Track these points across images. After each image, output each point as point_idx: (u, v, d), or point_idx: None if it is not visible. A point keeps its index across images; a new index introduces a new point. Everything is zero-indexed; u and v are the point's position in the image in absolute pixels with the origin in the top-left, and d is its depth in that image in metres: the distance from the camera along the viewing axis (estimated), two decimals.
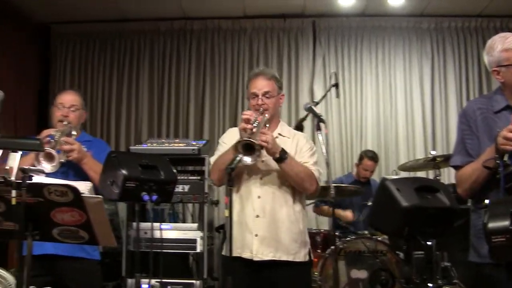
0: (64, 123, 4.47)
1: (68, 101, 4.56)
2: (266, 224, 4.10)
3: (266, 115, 4.15)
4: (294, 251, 4.14)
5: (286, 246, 4.10)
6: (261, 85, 4.24)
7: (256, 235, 4.08)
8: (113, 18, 9.47)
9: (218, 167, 4.13)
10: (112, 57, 9.69)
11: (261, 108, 4.17)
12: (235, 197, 4.14)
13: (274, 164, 4.09)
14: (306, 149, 4.28)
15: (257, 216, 4.11)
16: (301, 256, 4.17)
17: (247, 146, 3.84)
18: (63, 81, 9.62)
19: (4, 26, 8.59)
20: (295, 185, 4.14)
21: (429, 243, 5.05)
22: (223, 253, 4.29)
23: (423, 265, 5.67)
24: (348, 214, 7.35)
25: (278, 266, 4.08)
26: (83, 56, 9.74)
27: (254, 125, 3.99)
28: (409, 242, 5.07)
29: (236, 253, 3.99)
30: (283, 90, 4.47)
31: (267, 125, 4.14)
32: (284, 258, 4.09)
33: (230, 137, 4.26)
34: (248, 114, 4.07)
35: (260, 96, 4.21)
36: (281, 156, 4.00)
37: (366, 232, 6.75)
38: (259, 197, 4.13)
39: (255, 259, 4.06)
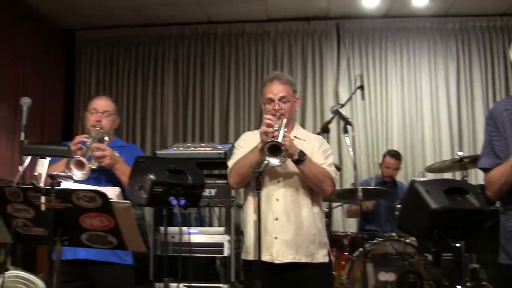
0: (96, 128, 4.47)
1: (101, 107, 4.55)
2: (285, 226, 4.10)
3: (285, 119, 4.15)
4: (312, 253, 4.13)
5: (305, 248, 4.10)
6: (276, 90, 4.24)
7: (276, 238, 4.08)
8: (138, 23, 9.51)
9: (237, 171, 4.15)
10: (136, 62, 9.73)
11: (278, 113, 4.17)
12: (254, 200, 4.13)
13: (292, 167, 4.09)
14: (322, 150, 4.26)
15: (276, 219, 4.11)
16: (320, 257, 4.16)
17: (273, 148, 3.84)
18: (88, 87, 9.70)
19: (29, 33, 8.67)
20: (313, 186, 4.14)
21: (458, 245, 5.02)
22: (242, 257, 4.29)
23: (452, 267, 5.62)
24: (368, 204, 7.29)
25: (298, 268, 4.08)
26: (107, 62, 9.80)
27: (275, 128, 4.00)
28: (438, 244, 5.01)
29: (256, 256, 3.98)
30: (303, 93, 4.46)
31: (285, 129, 4.13)
32: (303, 260, 4.09)
33: (246, 141, 4.29)
34: (271, 118, 4.07)
35: (276, 101, 4.21)
36: (300, 158, 4.00)
37: (393, 234, 6.69)
38: (277, 199, 4.13)
39: (276, 261, 4.06)
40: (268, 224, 4.11)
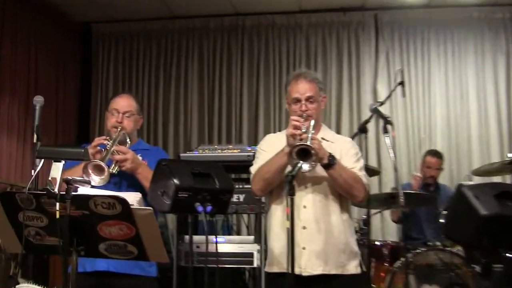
0: (117, 129, 4.44)
1: (122, 107, 4.52)
2: (314, 235, 4.06)
3: (312, 121, 4.11)
4: (343, 263, 4.09)
5: (335, 258, 4.07)
6: (303, 89, 4.21)
7: (304, 248, 4.04)
8: (159, 15, 9.53)
9: (262, 177, 4.13)
10: (158, 57, 9.75)
11: (305, 114, 4.14)
12: (279, 207, 4.14)
13: (320, 171, 4.04)
14: (351, 154, 4.23)
15: (304, 228, 4.06)
16: (351, 268, 4.12)
17: (302, 152, 3.80)
18: (106, 84, 9.76)
19: (41, 26, 8.73)
20: (343, 192, 4.10)
21: (510, 255, 4.92)
22: (266, 269, 4.25)
23: (503, 280, 5.53)
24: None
25: (329, 280, 4.04)
26: (127, 57, 9.85)
27: (303, 130, 3.96)
28: (487, 254, 4.93)
29: (283, 269, 3.92)
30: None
31: (313, 130, 4.09)
32: (334, 271, 4.05)
33: (270, 144, 4.27)
34: (298, 119, 4.03)
35: (303, 101, 4.18)
36: (330, 162, 3.96)
37: (438, 243, 6.60)
38: (305, 207, 4.10)
39: (304, 274, 4.01)
40: (296, 233, 4.05)
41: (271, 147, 4.17)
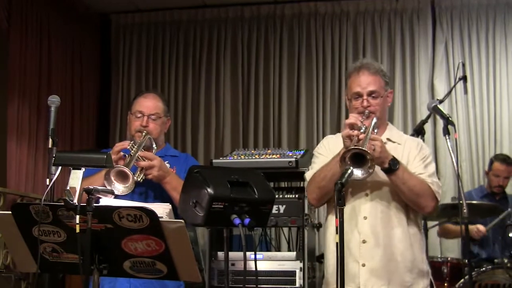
0: (142, 134, 4.44)
1: (147, 108, 4.54)
2: (375, 250, 4.04)
3: (374, 118, 4.08)
4: (410, 283, 4.06)
5: (400, 278, 4.04)
6: (365, 82, 4.18)
7: (364, 265, 4.04)
8: (187, 4, 9.59)
9: (317, 185, 4.12)
10: (186, 52, 9.78)
11: (367, 111, 4.11)
12: (337, 219, 4.06)
13: (383, 176, 4.02)
14: (420, 157, 4.19)
15: (364, 242, 4.06)
16: None
17: (356, 157, 3.76)
18: (127, 82, 9.80)
19: (56, 18, 8.77)
20: (409, 202, 4.07)
21: None
22: None
23: None
24: (479, 227, 7.12)
25: None
26: (150, 52, 9.88)
27: (361, 130, 3.93)
28: None
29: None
30: (390, 85, 4.36)
31: (376, 130, 4.07)
32: None
33: (328, 147, 4.27)
34: (353, 118, 4.01)
35: (365, 97, 4.15)
36: (391, 166, 3.92)
37: (506, 260, 6.55)
38: (365, 217, 4.08)
39: None
40: (353, 247, 4.06)
41: (329, 150, 4.17)
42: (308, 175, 4.26)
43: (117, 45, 9.96)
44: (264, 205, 3.78)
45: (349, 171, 3.65)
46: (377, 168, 3.95)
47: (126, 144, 4.36)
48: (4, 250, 6.48)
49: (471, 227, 7.16)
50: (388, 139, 4.20)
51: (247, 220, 3.58)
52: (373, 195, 4.09)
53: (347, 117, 7.62)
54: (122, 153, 4.29)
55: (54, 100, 4.21)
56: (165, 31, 9.86)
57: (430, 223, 7.37)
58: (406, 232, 4.08)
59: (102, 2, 9.46)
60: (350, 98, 4.22)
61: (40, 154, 8.11)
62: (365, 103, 4.12)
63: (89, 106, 9.55)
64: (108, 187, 3.87)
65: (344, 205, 3.61)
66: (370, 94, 4.13)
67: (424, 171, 4.11)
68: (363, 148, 3.75)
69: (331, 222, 4.15)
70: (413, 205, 4.06)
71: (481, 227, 7.13)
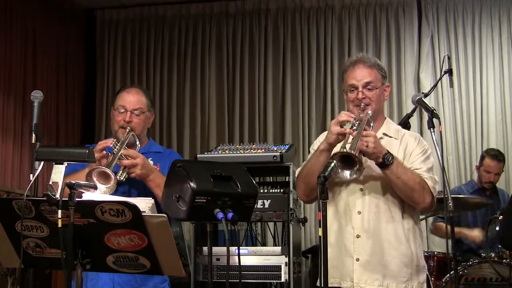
0: (126, 130, 4.43)
1: (130, 103, 4.50)
2: (369, 245, 4.03)
3: (369, 111, 4.06)
4: (405, 278, 4.04)
5: (394, 272, 4.02)
6: (360, 75, 4.15)
7: (358, 260, 4.03)
8: (172, 0, 9.55)
9: (303, 180, 4.12)
10: (171, 47, 9.80)
11: (362, 104, 4.09)
12: (330, 212, 4.07)
13: (378, 171, 4.00)
14: (418, 152, 4.16)
15: (358, 236, 4.04)
16: (415, 284, 4.08)
17: (345, 158, 3.76)
18: (112, 78, 9.83)
19: (40, 14, 8.79)
20: (404, 197, 4.04)
21: None
22: (318, 283, 4.23)
23: None
24: (476, 234, 7.13)
25: None
26: (135, 47, 9.89)
27: (354, 128, 3.91)
28: None
29: (334, 283, 3.92)
30: (387, 79, 4.36)
31: (372, 124, 4.06)
32: (394, 286, 4.01)
33: None
34: (345, 115, 4.00)
35: (360, 89, 4.13)
36: (385, 161, 3.90)
37: (492, 254, 6.56)
38: (359, 212, 4.07)
39: None
40: (348, 242, 4.06)
41: None
42: (297, 171, 4.26)
43: (102, 41, 9.96)
44: (247, 199, 3.77)
45: (332, 164, 3.61)
46: (372, 163, 3.96)
47: (109, 142, 4.32)
48: None
49: (469, 232, 7.19)
50: (385, 134, 4.18)
51: (230, 214, 3.57)
52: (367, 190, 4.07)
53: (332, 111, 7.66)
54: (104, 152, 4.26)
55: (37, 95, 4.19)
56: (150, 26, 9.86)
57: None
58: (401, 227, 4.06)
59: None
60: (346, 91, 4.21)
61: (25, 150, 8.11)
62: (360, 95, 4.10)
63: (74, 102, 9.55)
64: (92, 183, 3.87)
65: (327, 199, 3.55)
66: (365, 86, 4.11)
67: (420, 166, 4.09)
68: (350, 152, 3.71)
69: (327, 217, 4.15)
70: (408, 200, 4.04)
71: (477, 234, 7.11)
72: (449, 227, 5.03)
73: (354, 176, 3.80)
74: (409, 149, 4.16)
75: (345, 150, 3.74)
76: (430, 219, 7.64)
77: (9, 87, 8.00)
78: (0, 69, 7.91)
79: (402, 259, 4.04)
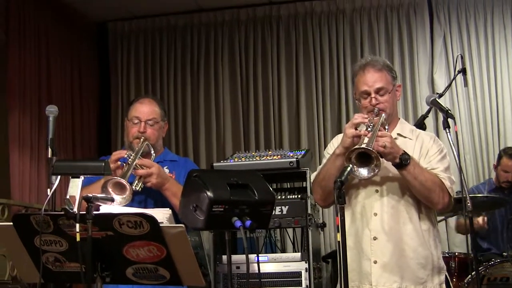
0: (140, 140, 4.43)
1: (144, 114, 4.51)
2: (385, 247, 4.02)
3: (383, 115, 4.06)
4: (424, 280, 4.03)
5: (413, 274, 4.01)
6: (371, 80, 4.13)
7: (375, 262, 4.01)
8: (184, 9, 9.61)
9: (319, 184, 4.11)
10: (184, 56, 9.81)
11: (376, 109, 4.08)
12: (347, 216, 4.04)
13: (394, 171, 3.99)
14: (433, 152, 4.14)
15: (375, 238, 4.04)
16: (434, 285, 4.06)
17: (361, 156, 3.75)
18: (126, 89, 9.84)
19: (53, 28, 8.80)
20: (421, 197, 4.02)
21: None
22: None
23: None
24: (479, 219, 7.08)
25: None
26: (148, 58, 9.92)
27: (369, 129, 3.91)
28: None
29: (354, 286, 3.92)
30: (398, 79, 4.34)
31: (386, 126, 4.06)
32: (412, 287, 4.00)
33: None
34: (359, 118, 3.99)
35: (372, 94, 4.11)
36: (402, 161, 3.88)
37: None
38: (375, 214, 4.06)
39: None
40: (365, 245, 4.04)
41: None
42: (313, 175, 4.25)
43: (115, 52, 9.99)
44: (264, 206, 3.75)
45: (349, 168, 3.62)
46: (388, 164, 3.95)
47: (123, 152, 4.32)
48: (11, 261, 6.49)
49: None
50: (399, 134, 4.17)
51: (248, 222, 3.55)
52: (383, 191, 4.06)
53: (347, 115, 7.66)
54: (119, 163, 4.26)
55: (52, 110, 4.20)
56: (162, 36, 9.89)
57: (438, 218, 7.38)
58: (419, 228, 4.05)
59: (99, 11, 9.47)
60: (358, 97, 4.20)
61: (42, 164, 8.12)
62: (373, 101, 4.09)
63: (89, 114, 9.58)
64: (109, 196, 3.86)
65: (345, 203, 3.57)
66: (377, 91, 4.10)
67: (437, 165, 4.07)
68: (367, 147, 3.72)
69: (345, 222, 4.14)
70: (425, 200, 4.02)
71: (480, 220, 7.08)
72: (465, 222, 5.02)
73: (372, 174, 3.78)
74: (425, 148, 4.15)
75: (360, 146, 3.74)
76: (450, 220, 7.60)
77: (24, 102, 8.00)
78: (15, 85, 7.92)
79: (419, 260, 4.03)
